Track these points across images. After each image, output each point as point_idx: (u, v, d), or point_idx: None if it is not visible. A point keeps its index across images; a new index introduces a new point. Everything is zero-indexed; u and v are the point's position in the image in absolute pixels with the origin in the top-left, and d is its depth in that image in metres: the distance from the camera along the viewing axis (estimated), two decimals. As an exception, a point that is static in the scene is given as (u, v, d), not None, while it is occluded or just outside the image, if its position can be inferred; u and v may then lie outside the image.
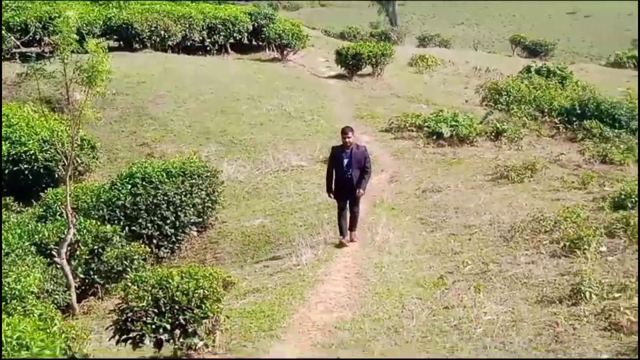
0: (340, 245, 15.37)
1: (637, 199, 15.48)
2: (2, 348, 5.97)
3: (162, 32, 34.50)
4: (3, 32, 30.27)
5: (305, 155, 22.48)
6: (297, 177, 20.92)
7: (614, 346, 9.52)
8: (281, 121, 25.99)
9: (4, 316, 6.66)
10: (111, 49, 23.57)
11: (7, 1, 31.76)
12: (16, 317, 6.92)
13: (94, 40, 14.44)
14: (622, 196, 15.77)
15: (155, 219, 17.64)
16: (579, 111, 24.81)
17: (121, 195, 17.58)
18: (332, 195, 15.71)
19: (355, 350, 10.39)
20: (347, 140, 15.23)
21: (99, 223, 16.70)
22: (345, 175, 15.26)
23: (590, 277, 11.58)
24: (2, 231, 15.96)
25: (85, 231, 16.17)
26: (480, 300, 11.66)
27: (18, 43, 30.52)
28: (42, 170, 20.65)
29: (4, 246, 15.24)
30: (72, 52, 14.64)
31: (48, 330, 7.38)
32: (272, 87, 29.69)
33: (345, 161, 15.24)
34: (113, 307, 10.68)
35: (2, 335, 6.16)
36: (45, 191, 19.04)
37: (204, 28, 36.62)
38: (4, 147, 20.97)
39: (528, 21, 79.45)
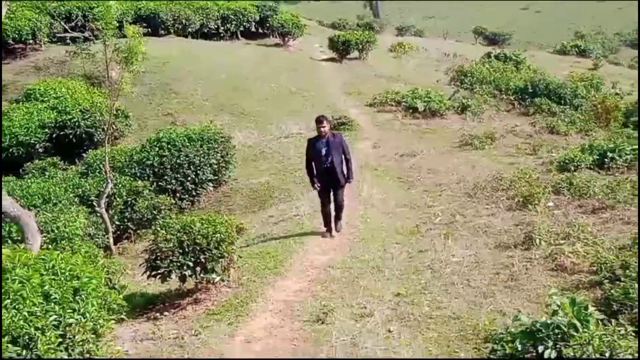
0: (324, 235, 12.89)
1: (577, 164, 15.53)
2: (57, 278, 5.94)
3: (184, 21, 34.26)
4: (49, 19, 29.93)
5: (303, 125, 22.23)
6: (297, 143, 20.72)
7: (559, 283, 9.53)
8: (283, 96, 25.79)
9: (56, 252, 6.59)
10: (140, 35, 23.37)
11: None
12: (67, 254, 6.87)
13: (132, 26, 14.29)
14: (566, 161, 15.74)
15: (179, 176, 17.66)
16: (530, 90, 24.71)
17: (150, 156, 17.60)
18: (317, 186, 12.86)
19: (345, 285, 10.39)
20: (322, 129, 12.56)
21: (131, 179, 16.79)
22: (325, 164, 12.59)
23: (540, 227, 11.54)
24: (51, 185, 15.92)
25: (120, 186, 16.25)
26: (449, 246, 11.63)
27: (67, 27, 30.25)
28: (83, 135, 20.48)
29: (52, 197, 15.23)
30: (112, 36, 14.49)
31: (93, 265, 7.32)
32: (275, 68, 29.38)
33: (324, 150, 12.57)
34: (144, 249, 10.66)
35: (57, 267, 6.12)
36: (87, 152, 19.05)
37: (219, 18, 36.24)
38: (52, 115, 20.94)
39: (488, 15, 78.89)
